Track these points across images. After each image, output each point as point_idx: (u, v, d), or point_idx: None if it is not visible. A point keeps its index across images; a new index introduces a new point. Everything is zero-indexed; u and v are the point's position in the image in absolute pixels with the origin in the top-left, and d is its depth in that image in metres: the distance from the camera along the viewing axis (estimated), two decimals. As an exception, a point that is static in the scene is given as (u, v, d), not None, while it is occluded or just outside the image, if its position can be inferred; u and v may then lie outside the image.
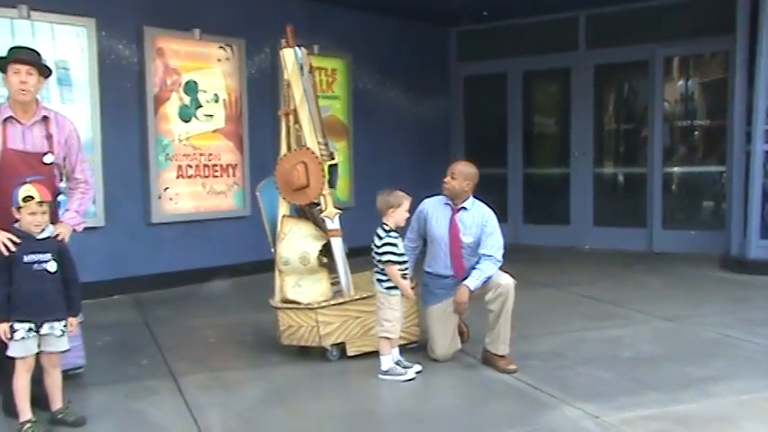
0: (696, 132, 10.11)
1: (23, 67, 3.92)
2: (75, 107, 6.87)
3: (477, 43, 11.31)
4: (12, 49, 4.10)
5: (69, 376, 4.46)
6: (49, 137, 4.05)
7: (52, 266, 3.77)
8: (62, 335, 3.81)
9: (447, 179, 5.00)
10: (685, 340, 5.58)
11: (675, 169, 10.05)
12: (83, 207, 4.21)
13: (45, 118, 4.06)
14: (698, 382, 4.53)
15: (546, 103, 11.78)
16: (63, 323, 3.81)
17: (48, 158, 4.02)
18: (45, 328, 3.75)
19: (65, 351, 3.90)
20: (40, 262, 3.74)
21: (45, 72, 4.08)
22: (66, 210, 4.15)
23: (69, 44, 7.00)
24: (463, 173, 4.98)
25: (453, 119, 11.48)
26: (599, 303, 6.89)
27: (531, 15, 10.42)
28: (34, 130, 4.02)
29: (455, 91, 11.47)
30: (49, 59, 6.74)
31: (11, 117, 3.96)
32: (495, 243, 4.90)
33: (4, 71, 3.95)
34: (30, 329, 3.71)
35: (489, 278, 4.81)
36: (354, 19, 9.60)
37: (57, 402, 3.90)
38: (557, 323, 6.13)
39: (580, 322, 6.18)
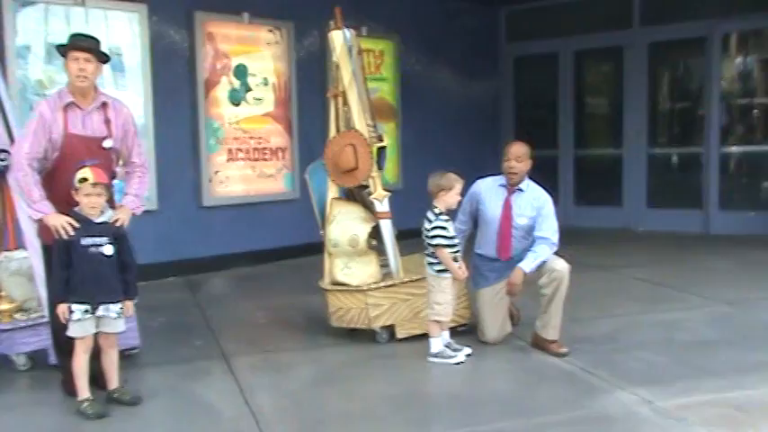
0: (755, 111, 9.79)
1: (82, 54, 3.96)
2: (127, 93, 6.96)
3: (526, 23, 11.14)
4: (72, 36, 4.15)
5: (125, 356, 4.57)
6: (107, 122, 4.11)
7: (109, 250, 3.82)
8: (117, 317, 3.87)
9: (512, 163, 4.89)
10: (746, 325, 5.43)
11: (733, 149, 9.77)
12: (141, 191, 4.26)
13: (104, 104, 4.12)
14: (759, 368, 4.41)
15: (598, 83, 11.54)
16: (119, 305, 3.87)
17: (107, 143, 4.07)
18: (101, 310, 3.82)
19: (121, 332, 3.97)
20: (96, 245, 3.80)
21: (103, 58, 4.13)
22: (125, 194, 4.20)
23: (122, 30, 7.09)
24: (526, 153, 4.92)
25: (503, 100, 11.34)
26: (653, 286, 6.75)
27: (583, -7, 10.21)
28: (93, 116, 4.08)
29: (504, 72, 11.32)
30: (102, 46, 6.91)
31: (71, 103, 4.02)
32: (550, 226, 4.81)
33: (65, 57, 4.01)
34: (86, 311, 3.78)
35: (544, 262, 4.74)
36: (402, 0, 9.52)
37: (113, 382, 3.98)
38: (610, 306, 6.02)
39: (634, 305, 6.06)
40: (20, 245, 4.63)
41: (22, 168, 3.93)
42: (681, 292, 6.43)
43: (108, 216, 3.90)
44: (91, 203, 3.80)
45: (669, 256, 8.37)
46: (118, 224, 3.91)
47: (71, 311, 3.76)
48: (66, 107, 4.02)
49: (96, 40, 4.13)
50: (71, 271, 3.78)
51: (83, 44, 4.01)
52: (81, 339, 3.82)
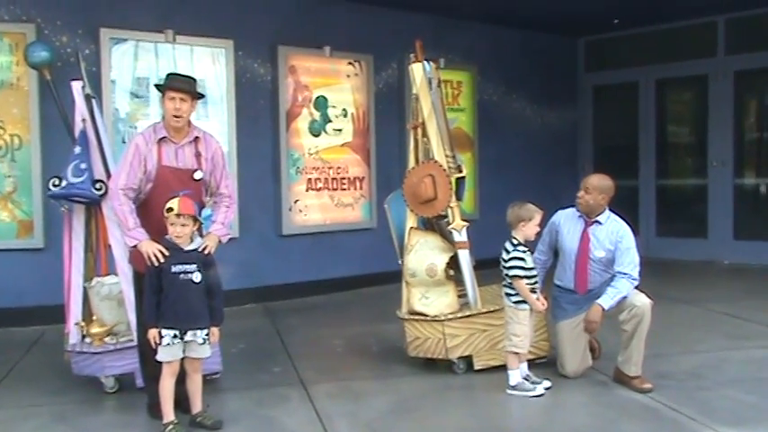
0: None
1: (178, 95, 4.14)
2: (210, 123, 7.21)
3: (606, 52, 11.04)
4: (169, 75, 4.35)
5: (207, 381, 4.66)
6: (198, 155, 4.28)
7: (197, 277, 3.93)
8: (204, 342, 3.98)
9: (581, 193, 4.86)
10: (841, 364, 5.17)
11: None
12: (228, 219, 4.37)
13: (195, 138, 4.29)
14: None
15: (680, 112, 11.29)
16: (205, 331, 3.97)
17: (197, 175, 4.23)
18: (188, 336, 3.92)
19: (206, 357, 4.08)
20: (186, 272, 3.91)
21: (198, 97, 4.32)
22: (213, 221, 4.32)
23: (207, 64, 7.38)
24: (597, 187, 4.83)
25: (581, 130, 11.22)
26: (742, 322, 6.50)
27: (665, 22, 10.04)
28: (185, 149, 4.26)
29: (583, 101, 11.21)
30: (197, 85, 7.21)
31: (165, 137, 4.21)
32: (631, 260, 4.71)
33: (163, 95, 4.21)
34: (174, 336, 3.90)
35: (625, 297, 4.64)
36: (480, 31, 9.58)
37: (197, 406, 4.08)
38: (695, 341, 5.83)
39: (721, 341, 5.85)
40: (111, 270, 4.83)
41: (119, 198, 4.12)
42: (771, 329, 6.19)
43: (197, 244, 4.01)
44: (175, 233, 3.93)
45: (757, 289, 8.06)
46: (206, 252, 4.03)
47: (161, 336, 3.89)
48: (161, 141, 4.20)
49: (193, 80, 4.33)
50: (161, 296, 3.91)
51: (180, 86, 4.19)
52: (168, 364, 3.94)
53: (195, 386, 4.07)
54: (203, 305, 3.97)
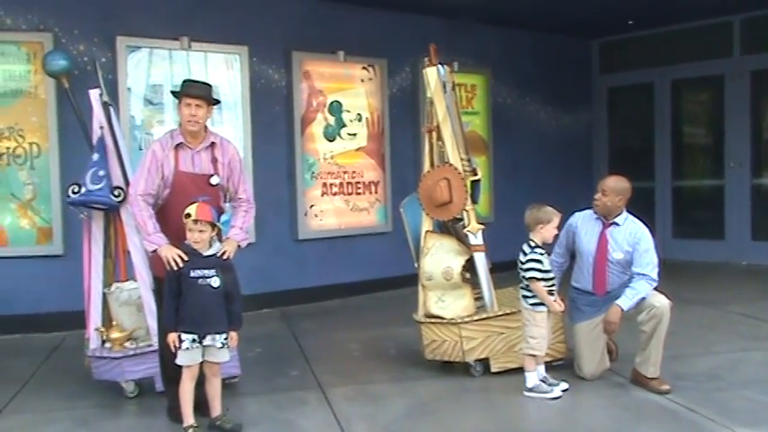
0: None
1: (194, 101, 4.18)
2: (224, 128, 7.25)
3: (620, 53, 11.01)
4: (186, 82, 4.38)
5: (226, 385, 4.68)
6: (214, 160, 4.31)
7: (216, 282, 3.96)
8: (222, 347, 4.01)
9: (597, 195, 4.86)
10: None
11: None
12: (246, 224, 4.39)
13: (212, 144, 4.33)
14: None
15: (696, 113, 11.22)
16: (224, 336, 4.00)
17: (214, 180, 4.26)
18: (207, 340, 3.95)
19: (225, 362, 4.11)
20: (205, 277, 3.95)
21: (214, 102, 4.36)
22: (232, 226, 4.35)
23: (220, 70, 7.44)
24: (614, 189, 4.83)
25: (596, 131, 11.19)
26: (761, 323, 6.46)
27: (679, 22, 10.01)
28: (202, 155, 4.30)
29: (598, 103, 11.18)
30: (213, 91, 7.27)
31: (182, 143, 4.26)
32: (649, 261, 4.70)
33: (179, 101, 4.25)
34: (193, 340, 3.93)
35: (643, 298, 4.63)
36: (493, 34, 9.59)
37: (216, 409, 4.11)
38: (713, 343, 5.81)
39: (739, 342, 5.82)
40: (130, 276, 4.88)
41: (138, 204, 4.17)
42: (790, 330, 6.15)
43: (216, 249, 4.05)
44: (193, 238, 3.97)
45: (776, 291, 8.01)
46: (225, 257, 4.06)
47: (181, 340, 3.93)
48: (178, 147, 4.25)
49: (209, 86, 4.38)
50: (180, 301, 3.95)
51: (196, 92, 4.23)
52: (188, 368, 3.97)
53: (214, 390, 4.10)
54: (222, 310, 3.99)
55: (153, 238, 4.11)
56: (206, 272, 3.96)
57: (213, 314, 3.97)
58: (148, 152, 4.27)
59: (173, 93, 4.43)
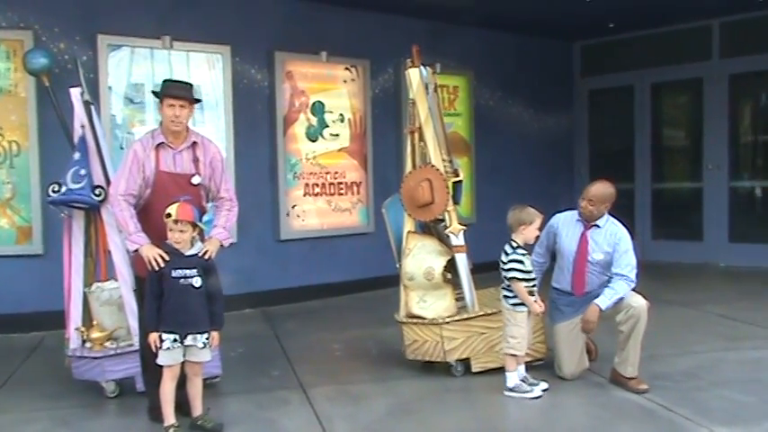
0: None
1: (177, 102, 4.15)
2: (206, 128, 7.21)
3: (601, 56, 11.10)
4: (166, 81, 4.36)
5: (207, 385, 4.68)
6: (195, 160, 4.29)
7: (197, 282, 3.95)
8: (204, 347, 4.00)
9: (584, 204, 4.88)
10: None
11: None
12: (229, 223, 4.36)
13: (194, 143, 4.31)
14: None
15: (676, 116, 11.35)
16: (205, 336, 3.99)
17: (195, 180, 4.24)
18: (188, 340, 3.94)
19: (207, 361, 4.10)
20: (186, 277, 3.94)
21: (195, 102, 4.35)
22: (214, 226, 4.32)
23: (202, 70, 7.42)
24: (602, 197, 4.85)
25: (577, 133, 11.28)
26: (737, 323, 6.54)
27: (659, 26, 10.11)
28: (183, 155, 4.28)
29: (579, 105, 11.27)
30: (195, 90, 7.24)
31: (163, 143, 4.24)
32: (628, 262, 4.76)
33: (161, 102, 4.22)
34: (174, 340, 3.92)
35: (621, 299, 4.68)
36: (475, 36, 9.63)
37: (197, 409, 4.10)
38: (691, 343, 5.87)
39: (717, 342, 5.90)
40: (111, 276, 4.86)
41: (119, 204, 4.14)
42: (766, 330, 6.22)
43: (197, 249, 4.03)
44: (174, 238, 3.96)
45: (753, 292, 8.11)
46: (206, 257, 4.04)
47: (162, 340, 3.92)
48: (159, 146, 4.23)
49: (190, 86, 4.36)
50: (162, 301, 3.94)
51: (178, 92, 4.21)
52: (169, 368, 3.96)
53: (196, 390, 4.10)
54: (203, 309, 3.98)
55: (134, 238, 4.08)
56: (187, 272, 3.94)
57: (195, 314, 3.95)
58: (129, 152, 4.24)
59: (153, 93, 4.40)
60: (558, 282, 5.05)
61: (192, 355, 3.99)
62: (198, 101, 4.42)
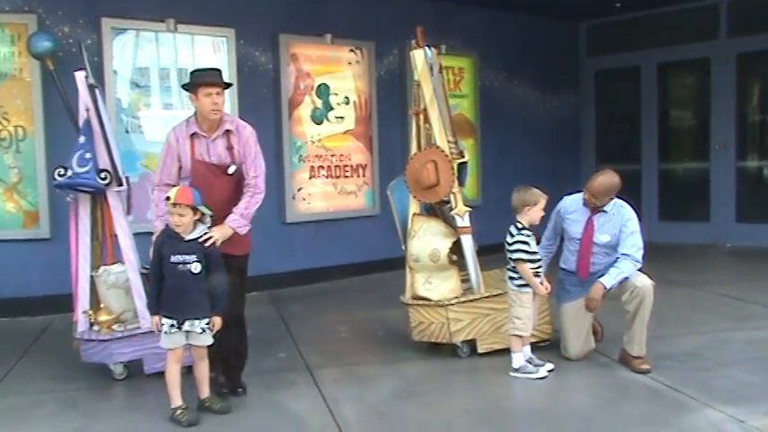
0: None
1: (214, 90, 4.13)
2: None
3: (608, 36, 11.02)
4: (199, 71, 4.32)
5: (214, 367, 4.74)
6: (230, 148, 4.26)
7: (196, 267, 3.91)
8: (203, 332, 3.97)
9: (587, 197, 4.86)
10: (842, 344, 5.21)
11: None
12: (248, 210, 4.24)
13: (227, 131, 4.27)
14: None
15: (683, 96, 11.27)
16: (205, 321, 3.96)
17: (231, 169, 4.24)
18: (186, 326, 3.93)
19: (209, 345, 4.07)
20: (184, 263, 3.91)
21: (227, 87, 4.32)
22: (231, 212, 4.20)
23: (207, 53, 7.40)
24: (606, 191, 4.81)
25: (584, 114, 11.22)
26: (743, 303, 6.54)
27: (666, 5, 10.03)
28: (217, 143, 4.26)
29: (585, 86, 11.21)
30: (189, 68, 7.21)
31: (196, 132, 4.23)
32: (634, 243, 4.75)
33: (194, 93, 4.16)
34: (172, 325, 3.93)
35: (627, 278, 4.68)
36: (481, 17, 9.57)
37: (204, 391, 4.13)
38: (696, 323, 5.88)
39: (722, 323, 5.90)
40: (117, 259, 4.88)
41: (157, 193, 4.26)
42: (773, 310, 6.23)
43: (198, 233, 3.98)
44: (174, 222, 3.93)
45: (759, 272, 8.09)
46: (208, 243, 3.98)
47: (162, 324, 3.94)
48: (193, 135, 4.23)
49: (220, 71, 4.34)
50: (162, 285, 3.95)
51: (214, 80, 4.18)
52: (172, 351, 3.99)
53: (201, 373, 4.11)
54: (202, 295, 3.94)
55: (156, 222, 4.17)
56: (186, 257, 3.91)
57: (192, 300, 3.92)
58: (165, 142, 4.29)
59: (184, 87, 4.36)
60: (566, 263, 5.05)
61: (193, 339, 3.99)
62: (229, 85, 4.38)
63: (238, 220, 4.19)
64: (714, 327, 5.77)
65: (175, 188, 3.97)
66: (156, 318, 3.96)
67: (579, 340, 4.91)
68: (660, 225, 10.34)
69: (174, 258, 3.92)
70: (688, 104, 11.09)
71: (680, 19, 10.23)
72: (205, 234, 4.00)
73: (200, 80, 4.17)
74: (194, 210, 3.95)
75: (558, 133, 10.73)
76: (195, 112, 4.27)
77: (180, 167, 4.25)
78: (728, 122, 9.90)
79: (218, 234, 4.05)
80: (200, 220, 4.03)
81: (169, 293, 3.93)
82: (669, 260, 8.65)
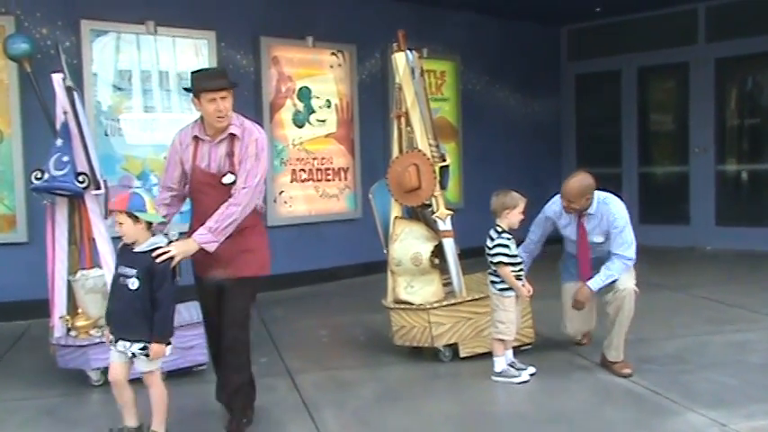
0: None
1: (219, 94, 3.69)
2: (193, 116, 7.11)
3: (588, 41, 11.09)
4: (196, 73, 3.87)
5: (193, 373, 4.70)
6: (230, 154, 3.80)
7: (133, 284, 3.46)
8: (136, 356, 3.52)
9: (565, 204, 4.82)
10: (821, 346, 5.25)
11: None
12: (218, 225, 3.65)
13: (231, 135, 3.82)
14: (835, 391, 4.26)
15: (662, 100, 11.35)
16: (139, 345, 3.50)
17: (226, 179, 3.77)
18: (119, 346, 3.53)
19: (146, 372, 3.60)
20: (125, 276, 3.50)
21: (233, 87, 3.84)
22: (202, 224, 3.72)
23: (188, 56, 7.34)
24: (579, 194, 4.74)
25: (564, 118, 11.27)
26: (724, 306, 6.58)
27: (646, 10, 10.10)
28: (219, 148, 3.83)
29: (566, 90, 11.26)
30: (170, 71, 7.16)
31: (197, 136, 3.87)
32: (623, 241, 4.73)
33: (197, 97, 3.75)
34: (110, 341, 3.60)
35: (616, 280, 4.69)
36: (462, 21, 9.57)
37: (153, 422, 3.63)
38: (678, 326, 5.91)
39: (703, 326, 5.92)
40: (95, 263, 4.82)
41: (160, 193, 4.03)
42: (752, 313, 6.26)
43: (148, 245, 3.52)
44: (118, 231, 3.58)
45: (739, 275, 8.16)
46: (159, 259, 3.49)
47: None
48: (196, 138, 3.89)
49: (224, 71, 4.00)
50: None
51: (217, 84, 3.72)
52: (111, 366, 3.64)
53: (151, 401, 3.62)
54: (137, 316, 3.47)
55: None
56: (127, 270, 3.49)
57: (125, 319, 3.49)
58: (171, 145, 3.99)
59: (186, 90, 3.98)
60: (569, 247, 5.09)
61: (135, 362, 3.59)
62: (236, 85, 3.86)
63: (205, 235, 3.65)
64: (695, 330, 5.80)
65: (119, 194, 3.65)
66: (107, 331, 3.64)
67: (578, 319, 4.94)
68: (640, 228, 10.16)
69: (119, 269, 3.57)
70: (668, 108, 11.17)
71: (659, 24, 10.31)
72: (159, 248, 3.53)
73: (201, 85, 3.73)
74: (135, 218, 3.49)
75: (539, 136, 10.77)
76: (201, 117, 3.89)
77: (183, 172, 3.92)
78: (707, 126, 9.98)
79: (178, 250, 3.57)
80: (164, 232, 3.69)
81: (108, 307, 3.62)
82: (649, 263, 8.64)
